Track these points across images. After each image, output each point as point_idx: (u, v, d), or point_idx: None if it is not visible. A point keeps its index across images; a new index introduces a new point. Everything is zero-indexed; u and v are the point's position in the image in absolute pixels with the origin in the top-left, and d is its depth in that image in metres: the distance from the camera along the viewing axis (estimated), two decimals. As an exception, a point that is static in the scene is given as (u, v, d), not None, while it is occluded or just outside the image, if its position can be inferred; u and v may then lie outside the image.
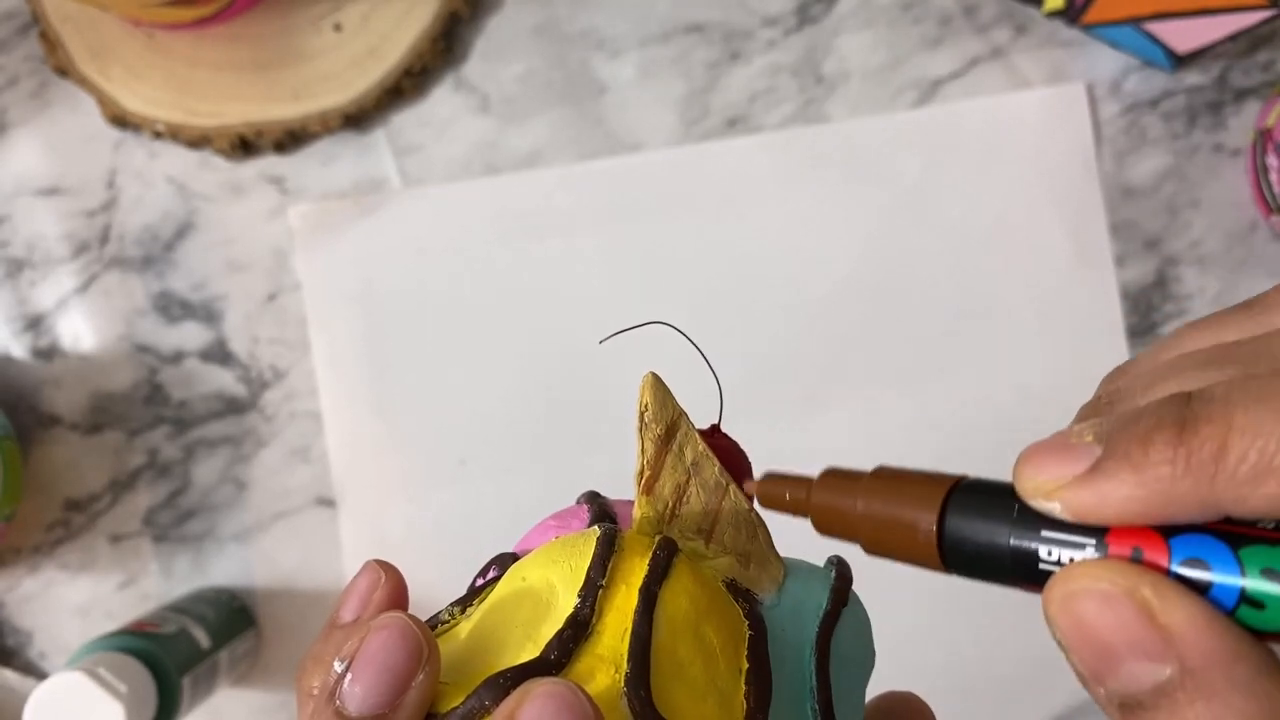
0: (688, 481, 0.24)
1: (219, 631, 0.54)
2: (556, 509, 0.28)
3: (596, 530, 0.23)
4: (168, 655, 0.49)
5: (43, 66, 0.59)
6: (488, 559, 0.27)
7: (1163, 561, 0.17)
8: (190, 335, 0.58)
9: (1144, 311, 0.58)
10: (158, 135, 0.58)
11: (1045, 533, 0.18)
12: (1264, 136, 0.55)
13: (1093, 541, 0.18)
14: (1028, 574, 0.19)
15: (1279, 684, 0.16)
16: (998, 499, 0.19)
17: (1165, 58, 0.55)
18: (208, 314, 0.58)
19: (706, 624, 0.22)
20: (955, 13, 0.58)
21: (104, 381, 0.58)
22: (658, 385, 0.24)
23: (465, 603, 0.24)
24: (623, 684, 0.20)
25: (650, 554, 0.22)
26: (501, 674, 0.20)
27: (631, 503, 0.24)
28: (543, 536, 0.25)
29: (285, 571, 0.58)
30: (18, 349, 0.58)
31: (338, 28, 0.57)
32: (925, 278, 0.58)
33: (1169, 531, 0.17)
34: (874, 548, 0.21)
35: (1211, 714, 0.16)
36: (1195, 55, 0.55)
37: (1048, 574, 0.18)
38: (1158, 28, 0.54)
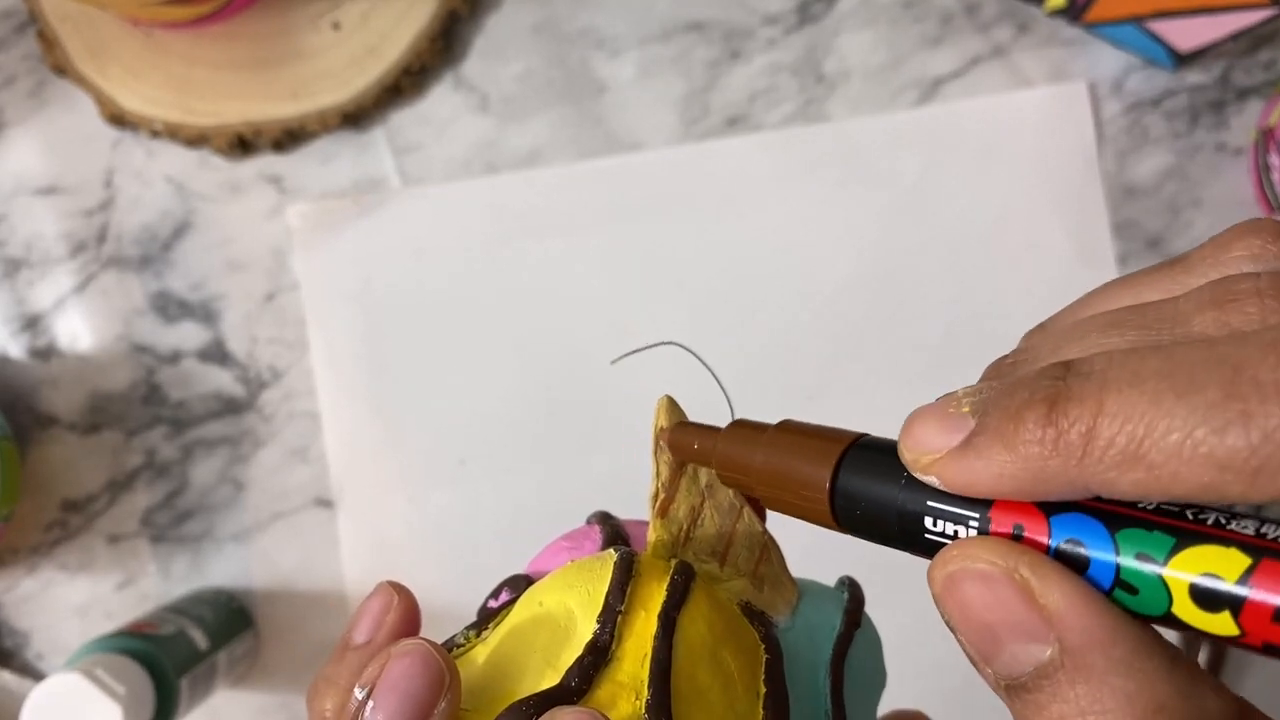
0: (702, 504, 0.24)
1: (217, 632, 0.54)
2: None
3: (613, 554, 0.22)
4: (166, 656, 0.49)
5: (40, 65, 0.58)
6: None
7: (1043, 540, 0.17)
8: (188, 335, 0.58)
9: (1146, 311, 0.58)
10: (156, 134, 0.57)
11: (931, 502, 0.18)
12: (1266, 135, 0.55)
13: (976, 516, 0.17)
14: (915, 541, 0.18)
15: (1159, 663, 0.16)
16: (890, 462, 0.18)
17: (1167, 57, 0.55)
18: (206, 314, 0.58)
19: (724, 649, 0.22)
20: (956, 11, 0.58)
21: (102, 381, 0.58)
22: (672, 408, 0.24)
23: (480, 626, 0.24)
24: (644, 710, 0.20)
25: (668, 579, 0.22)
26: (524, 701, 0.20)
27: (641, 522, 0.24)
28: (555, 559, 0.25)
29: (284, 572, 0.58)
30: (15, 349, 0.58)
31: (336, 26, 0.57)
32: (926, 277, 0.58)
33: (1051, 508, 0.17)
34: (771, 503, 0.21)
35: (1091, 695, 0.16)
36: (1197, 54, 0.55)
37: (935, 544, 0.18)
38: (1160, 26, 0.53)
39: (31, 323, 0.58)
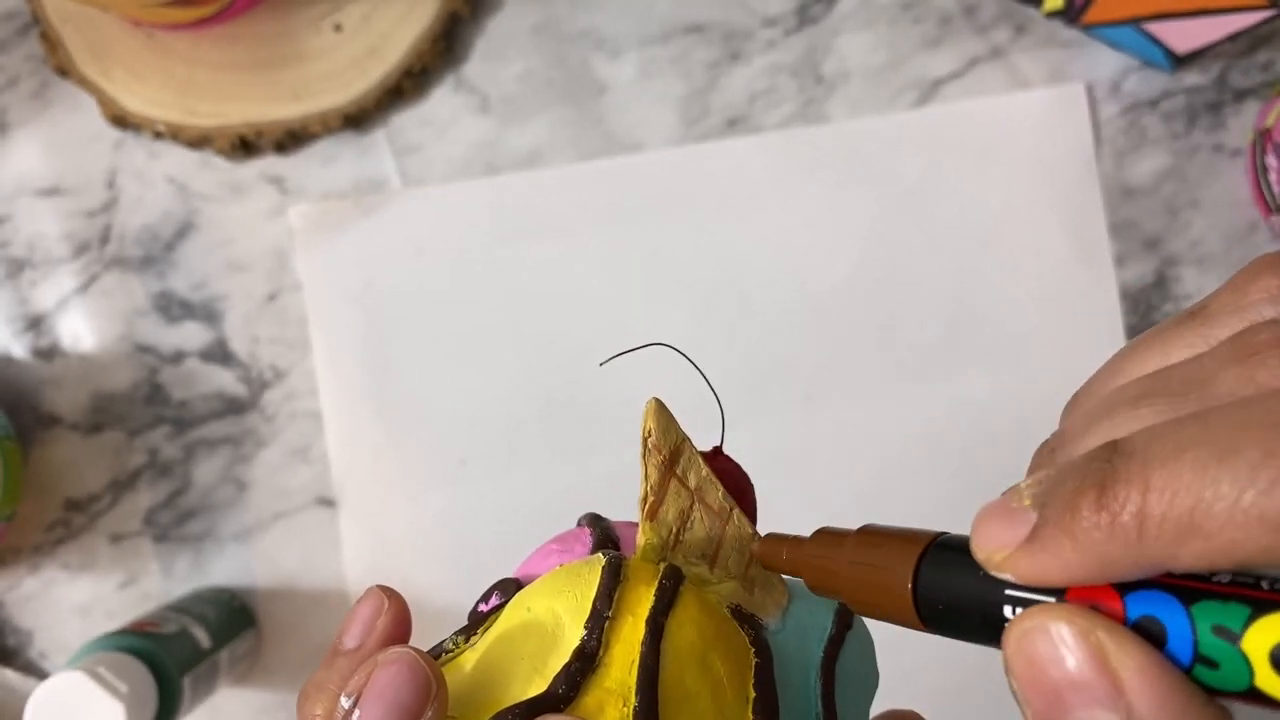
0: (691, 507, 0.24)
1: (219, 631, 0.54)
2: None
3: (601, 559, 0.22)
4: (168, 655, 0.49)
5: (43, 67, 0.59)
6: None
7: (1119, 617, 0.17)
8: (190, 335, 0.58)
9: (1144, 311, 0.58)
10: (158, 135, 0.58)
11: (1009, 592, 0.18)
12: (1263, 137, 0.55)
13: (1053, 600, 0.18)
14: (996, 634, 0.18)
15: None
16: (967, 559, 0.19)
17: (1165, 58, 0.55)
18: (208, 314, 0.58)
19: (713, 653, 0.22)
20: (955, 13, 0.58)
21: (104, 381, 0.58)
22: (660, 411, 0.24)
23: (469, 631, 0.24)
24: (632, 717, 0.20)
25: (656, 583, 0.22)
26: (511, 709, 0.20)
27: (633, 524, 0.24)
28: (545, 561, 0.25)
29: (285, 571, 0.58)
30: (18, 349, 0.58)
31: (338, 28, 0.57)
32: (924, 277, 0.58)
33: (1127, 587, 0.17)
34: (860, 608, 0.21)
35: None
36: (1195, 55, 0.55)
37: None
38: (1157, 28, 0.54)
39: (34, 323, 0.59)
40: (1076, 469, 0.17)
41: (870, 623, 0.26)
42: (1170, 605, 0.16)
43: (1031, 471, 0.21)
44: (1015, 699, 0.18)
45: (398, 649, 0.21)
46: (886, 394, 0.57)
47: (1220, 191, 0.58)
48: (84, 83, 0.57)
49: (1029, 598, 0.18)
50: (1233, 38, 0.52)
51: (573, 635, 0.21)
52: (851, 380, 0.57)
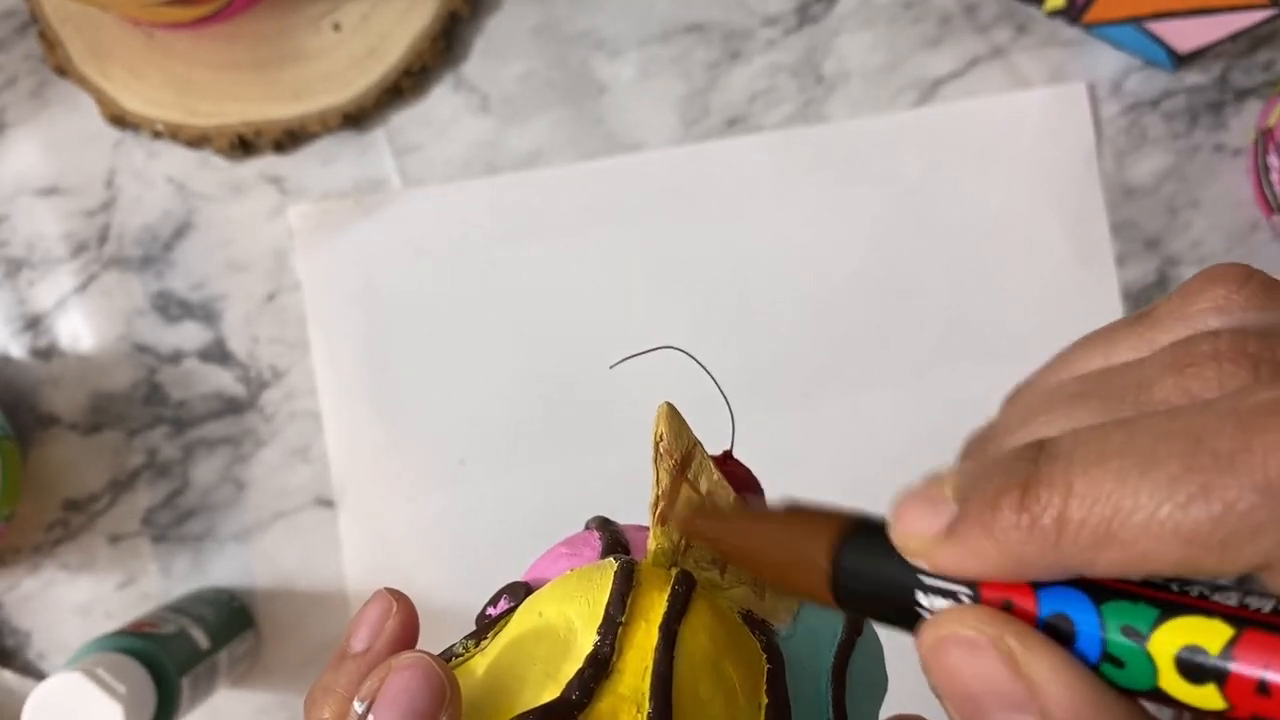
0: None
1: (218, 632, 0.54)
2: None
3: (613, 563, 0.22)
4: (167, 656, 0.49)
5: (42, 66, 0.58)
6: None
7: (1031, 611, 0.17)
8: (189, 335, 0.58)
9: (1144, 311, 0.58)
10: (157, 135, 0.57)
11: (923, 578, 0.18)
12: (1265, 136, 0.55)
13: (968, 592, 0.18)
14: (910, 617, 0.18)
15: None
16: (885, 543, 0.19)
17: (1166, 57, 0.55)
18: (207, 314, 0.58)
19: (726, 659, 0.21)
20: (955, 12, 0.58)
21: (103, 381, 0.58)
22: (673, 415, 0.24)
23: (479, 635, 0.24)
24: None
25: (669, 589, 0.22)
26: (525, 715, 0.20)
27: (640, 527, 0.24)
28: (554, 565, 0.25)
29: (285, 572, 0.58)
30: (16, 349, 0.58)
31: (337, 27, 0.57)
32: (925, 277, 0.58)
33: (1039, 582, 0.17)
34: (775, 583, 0.21)
35: None
36: (1196, 55, 0.55)
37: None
38: (1159, 27, 0.54)
39: (33, 323, 0.58)
40: (1001, 466, 0.17)
41: (881, 631, 0.26)
42: (1082, 603, 0.17)
43: (961, 458, 0.21)
44: (937, 697, 0.18)
45: (411, 653, 0.21)
46: (886, 393, 0.57)
47: (1221, 191, 0.58)
48: (83, 82, 0.57)
49: (944, 587, 0.18)
50: (1234, 37, 0.52)
51: (585, 641, 0.21)
52: (851, 379, 0.57)
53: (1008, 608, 0.17)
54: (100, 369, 0.58)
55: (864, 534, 0.19)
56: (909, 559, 0.18)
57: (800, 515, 0.21)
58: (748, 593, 0.23)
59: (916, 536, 0.18)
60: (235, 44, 0.57)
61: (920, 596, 0.18)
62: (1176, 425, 0.16)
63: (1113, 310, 0.57)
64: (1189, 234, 0.58)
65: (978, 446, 0.21)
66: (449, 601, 0.55)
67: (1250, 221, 0.58)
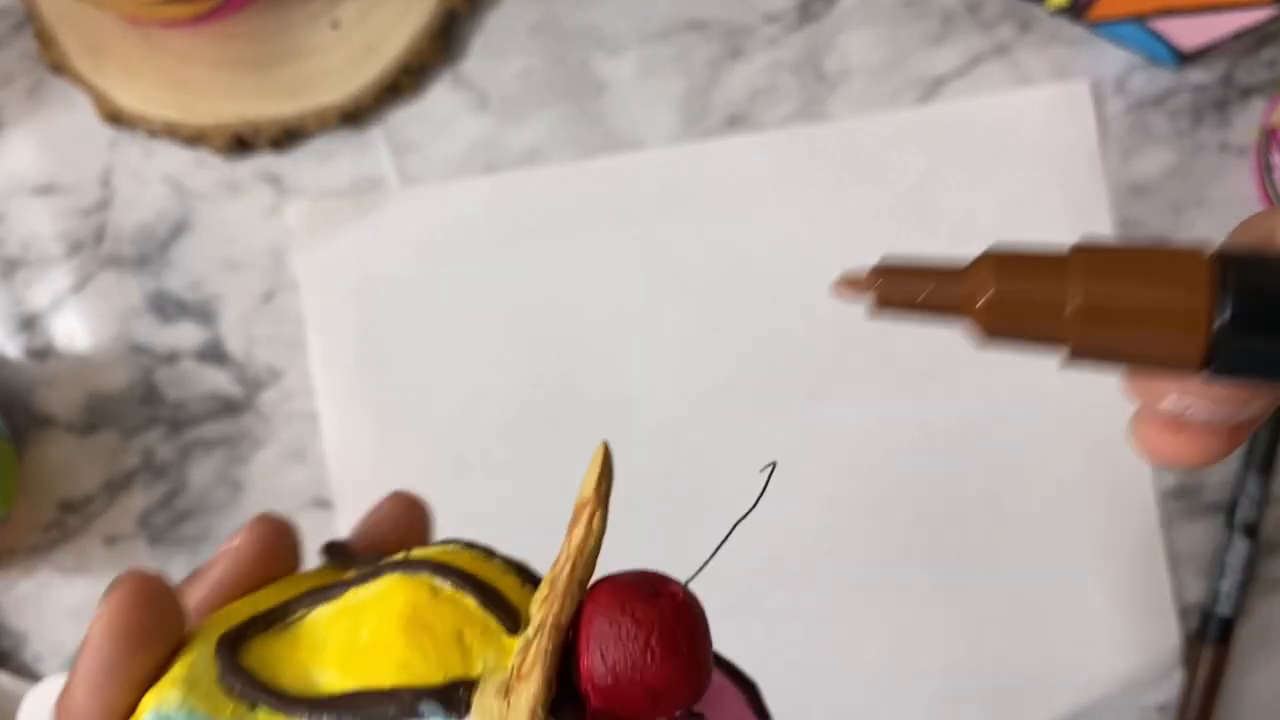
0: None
1: (215, 634, 0.53)
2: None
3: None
4: (163, 658, 0.49)
5: (37, 64, 0.58)
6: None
7: None
8: (186, 335, 0.58)
9: (1148, 311, 0.57)
10: (153, 133, 0.57)
11: None
12: (1269, 134, 0.55)
13: None
14: None
15: None
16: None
17: (1170, 55, 0.55)
18: (203, 313, 0.58)
19: None
20: (958, 10, 0.58)
21: (99, 382, 0.58)
22: (606, 462, 0.21)
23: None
24: None
25: None
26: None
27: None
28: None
29: (282, 573, 0.58)
30: (12, 349, 0.58)
31: (335, 25, 0.57)
32: (928, 277, 0.57)
33: None
34: (1103, 352, 0.15)
35: None
36: (1201, 53, 0.54)
37: None
38: (1163, 25, 0.53)
39: (28, 323, 0.58)
40: None
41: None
42: None
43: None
44: None
45: (136, 569, 0.23)
46: (887, 392, 0.57)
47: (1226, 189, 0.57)
48: (79, 80, 0.57)
49: None
50: (1239, 35, 0.52)
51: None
52: (852, 378, 0.57)
53: None
54: (96, 369, 0.58)
55: (1251, 271, 0.14)
56: None
57: (1117, 255, 0.15)
58: None
59: None
60: (232, 42, 0.56)
61: None
62: None
63: (1116, 310, 0.57)
64: (1193, 232, 0.57)
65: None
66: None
67: (1255, 220, 0.57)
